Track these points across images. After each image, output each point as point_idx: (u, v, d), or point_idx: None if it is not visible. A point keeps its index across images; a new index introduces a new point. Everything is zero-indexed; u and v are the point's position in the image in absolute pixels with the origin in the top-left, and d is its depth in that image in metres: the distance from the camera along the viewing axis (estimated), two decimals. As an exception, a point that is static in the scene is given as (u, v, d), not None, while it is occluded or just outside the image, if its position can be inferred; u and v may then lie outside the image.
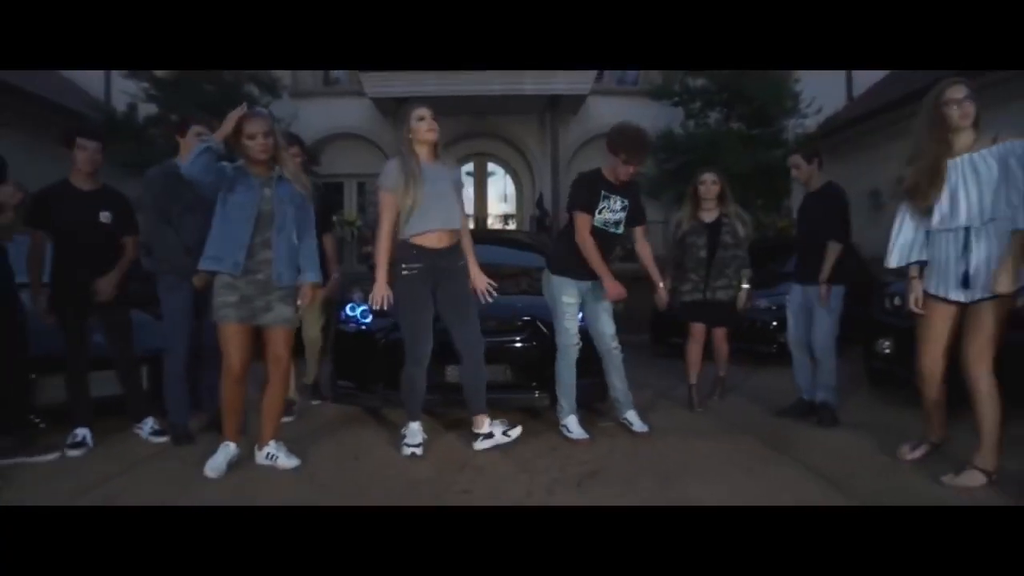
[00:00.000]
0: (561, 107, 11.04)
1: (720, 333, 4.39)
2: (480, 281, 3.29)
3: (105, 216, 3.39)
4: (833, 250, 3.68)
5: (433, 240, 3.16)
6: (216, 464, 2.87)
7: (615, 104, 10.94)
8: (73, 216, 3.32)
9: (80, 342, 3.31)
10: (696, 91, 9.65)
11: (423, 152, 3.21)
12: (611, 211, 3.53)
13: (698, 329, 4.30)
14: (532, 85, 10.22)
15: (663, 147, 9.40)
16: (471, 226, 3.75)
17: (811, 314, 3.82)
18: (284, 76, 10.35)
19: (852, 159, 10.84)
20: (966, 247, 2.65)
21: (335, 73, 12.10)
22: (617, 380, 3.63)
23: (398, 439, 3.32)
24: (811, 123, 9.76)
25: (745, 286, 4.28)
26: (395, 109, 10.80)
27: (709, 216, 4.31)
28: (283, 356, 2.97)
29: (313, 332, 4.24)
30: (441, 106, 11.01)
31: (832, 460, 3.06)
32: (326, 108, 11.48)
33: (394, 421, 3.79)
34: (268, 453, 2.99)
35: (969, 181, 2.64)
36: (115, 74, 10.88)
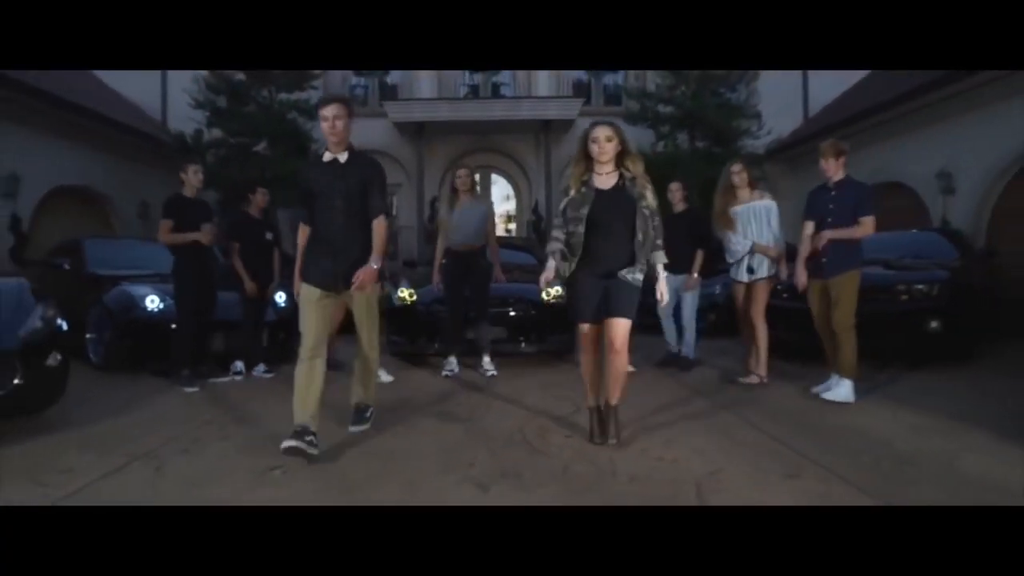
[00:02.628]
0: (553, 129, 12.99)
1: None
2: (499, 276, 5.31)
3: (269, 235, 5.45)
4: (700, 254, 5.44)
5: (461, 248, 5.11)
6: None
7: (600, 125, 12.94)
8: (251, 236, 5.37)
9: (255, 312, 5.28)
10: (665, 116, 11.54)
11: (465, 194, 5.18)
12: None
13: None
14: (528, 112, 12.21)
15: (637, 164, 11.29)
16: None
17: (679, 296, 5.50)
18: (314, 96, 12.20)
19: (804, 171, 12.72)
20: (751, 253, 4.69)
21: (359, 93, 14.00)
22: None
23: (439, 368, 5.29)
24: (760, 144, 11.62)
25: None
26: (414, 131, 12.79)
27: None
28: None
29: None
30: (452, 128, 13.69)
31: (694, 382, 4.98)
32: (354, 128, 13.34)
33: (433, 364, 5.71)
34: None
35: (751, 220, 4.66)
36: (169, 97, 12.92)
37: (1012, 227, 8.13)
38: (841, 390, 4.14)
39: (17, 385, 3.13)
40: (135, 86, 12.89)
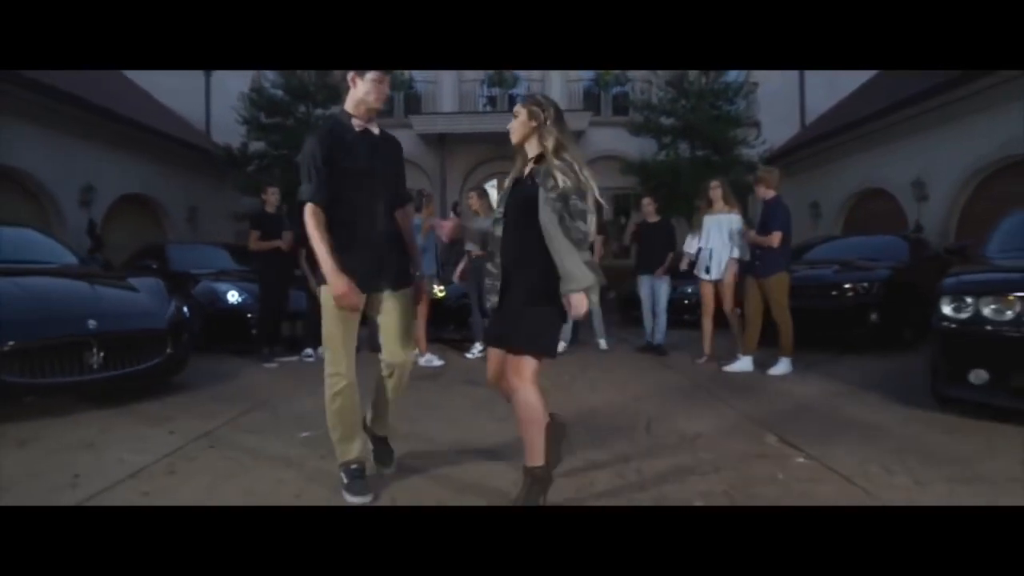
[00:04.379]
0: (565, 138, 14.06)
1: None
2: None
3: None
4: (670, 256, 6.59)
5: (477, 251, 6.27)
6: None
7: (607, 133, 14.08)
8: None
9: (316, 304, 6.42)
10: (667, 128, 12.60)
11: (478, 210, 6.31)
12: None
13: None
14: (542, 123, 13.30)
15: (640, 171, 12.38)
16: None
17: (654, 291, 6.69)
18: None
19: (800, 177, 13.71)
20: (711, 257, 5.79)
21: (385, 104, 15.19)
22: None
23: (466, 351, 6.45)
24: (755, 152, 12.63)
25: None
26: (436, 141, 13.99)
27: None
28: None
29: None
30: (471, 139, 14.93)
31: (671, 364, 6.10)
32: (381, 138, 14.57)
33: (459, 348, 6.88)
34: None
35: (711, 228, 5.77)
36: (212, 111, 14.26)
37: (977, 230, 9.11)
38: (780, 366, 5.28)
39: (168, 354, 4.37)
40: (182, 101, 14.27)
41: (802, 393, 4.57)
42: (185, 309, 4.84)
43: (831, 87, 14.35)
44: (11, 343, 3.59)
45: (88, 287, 4.44)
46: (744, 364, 5.48)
